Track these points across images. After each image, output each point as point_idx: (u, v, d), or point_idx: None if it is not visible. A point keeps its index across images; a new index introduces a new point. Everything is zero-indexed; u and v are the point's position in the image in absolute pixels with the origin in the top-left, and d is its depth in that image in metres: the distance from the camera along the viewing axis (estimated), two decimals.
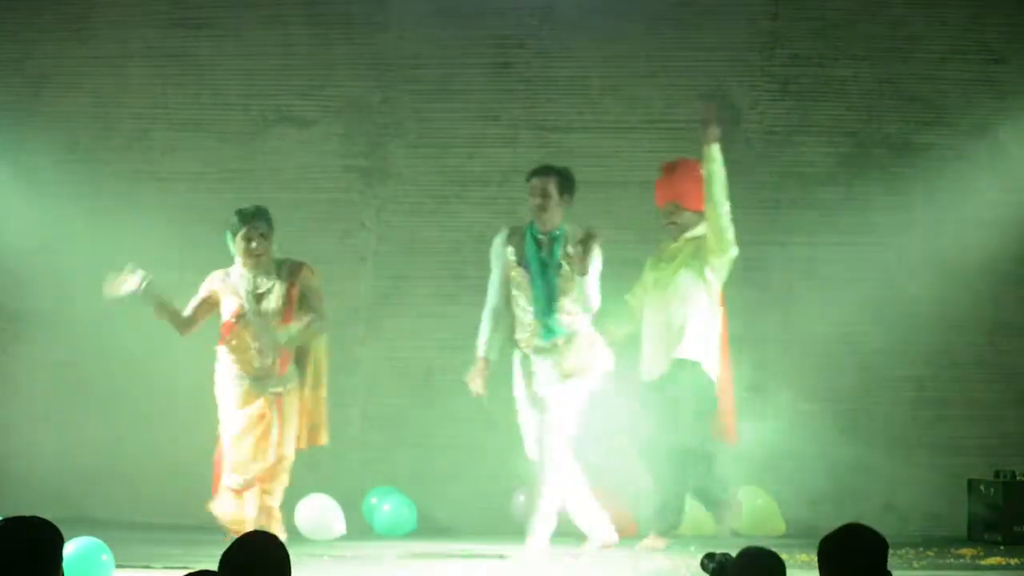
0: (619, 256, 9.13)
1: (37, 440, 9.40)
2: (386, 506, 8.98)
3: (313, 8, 9.69)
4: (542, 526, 7.83)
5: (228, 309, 7.61)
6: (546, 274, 7.84)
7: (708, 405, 8.16)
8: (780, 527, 9.02)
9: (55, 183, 9.50)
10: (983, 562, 7.81)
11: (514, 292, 7.92)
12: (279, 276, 7.58)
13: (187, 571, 3.95)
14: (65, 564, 3.84)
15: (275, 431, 7.49)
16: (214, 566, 3.93)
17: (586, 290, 7.80)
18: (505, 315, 7.97)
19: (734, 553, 4.45)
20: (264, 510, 7.58)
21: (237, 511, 7.39)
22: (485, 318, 7.99)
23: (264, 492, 7.57)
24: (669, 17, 9.57)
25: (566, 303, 7.84)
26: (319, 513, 8.60)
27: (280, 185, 9.56)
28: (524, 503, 8.54)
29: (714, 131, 8.06)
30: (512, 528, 8.92)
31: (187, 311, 7.74)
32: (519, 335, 7.92)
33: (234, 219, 7.67)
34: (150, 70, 9.70)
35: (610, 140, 9.56)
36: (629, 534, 8.77)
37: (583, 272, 7.66)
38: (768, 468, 9.09)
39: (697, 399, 8.11)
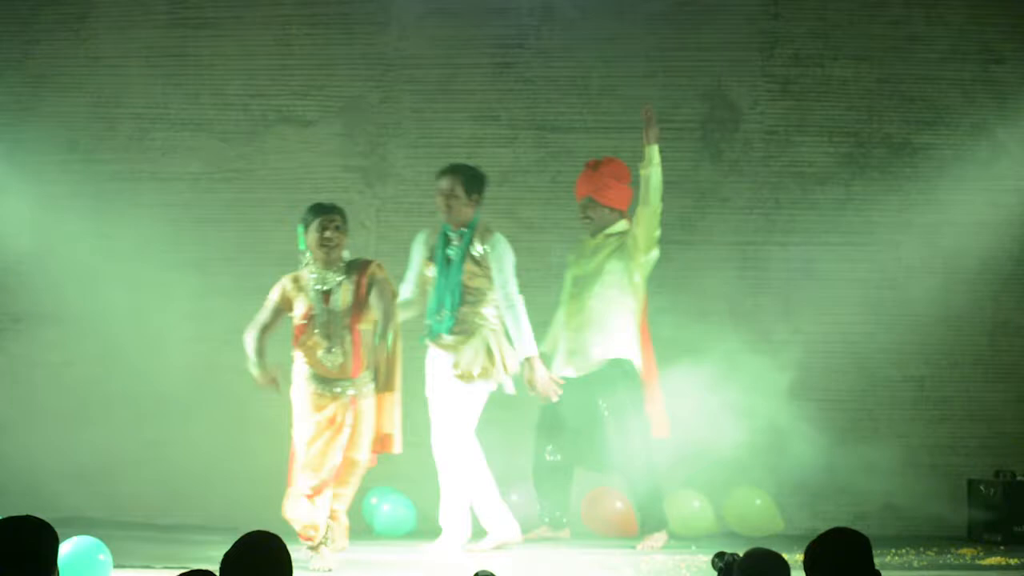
0: None
1: (37, 440, 9.39)
2: (386, 506, 8.98)
3: (313, 8, 9.69)
4: (451, 524, 7.89)
5: (299, 311, 7.50)
6: (449, 271, 7.92)
7: (642, 402, 8.32)
8: (779, 526, 9.03)
9: (55, 183, 9.50)
10: (983, 562, 7.82)
11: (428, 289, 8.02)
12: (348, 275, 7.49)
13: (187, 571, 3.95)
14: (63, 563, 3.85)
15: (346, 435, 7.38)
16: (214, 566, 3.94)
17: (502, 287, 7.88)
18: (416, 307, 8.06)
19: (742, 553, 4.48)
20: (331, 515, 7.46)
21: (309, 516, 7.29)
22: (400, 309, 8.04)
23: (332, 496, 7.47)
24: (669, 17, 9.57)
25: (468, 301, 7.88)
26: None
27: (280, 185, 9.57)
28: (517, 502, 8.60)
29: (654, 132, 8.26)
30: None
31: (262, 318, 7.61)
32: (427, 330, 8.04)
33: (308, 212, 7.52)
34: (150, 70, 9.69)
35: (610, 140, 9.55)
36: (630, 534, 8.78)
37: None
38: (768, 468, 9.09)
39: (634, 398, 8.28)
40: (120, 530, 8.11)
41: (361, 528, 8.88)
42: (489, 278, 7.91)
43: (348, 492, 7.48)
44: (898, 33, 9.55)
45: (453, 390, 7.88)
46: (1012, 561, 7.80)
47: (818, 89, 9.56)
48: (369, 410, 7.38)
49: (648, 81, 9.57)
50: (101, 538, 6.53)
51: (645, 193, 8.24)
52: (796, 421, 8.96)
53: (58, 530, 3.98)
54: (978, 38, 9.52)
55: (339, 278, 7.44)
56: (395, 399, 7.42)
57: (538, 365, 7.94)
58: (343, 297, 7.42)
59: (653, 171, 8.23)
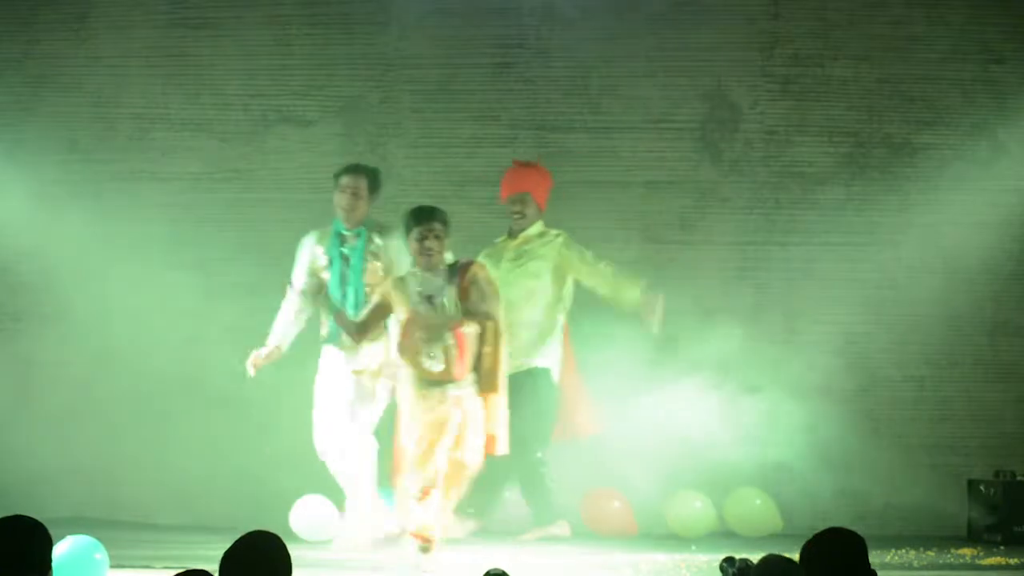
0: (620, 256, 9.15)
1: (37, 440, 9.39)
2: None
3: (313, 8, 9.69)
4: (356, 518, 7.97)
5: (401, 315, 7.48)
6: (349, 272, 7.95)
7: (552, 408, 8.47)
8: (778, 526, 9.02)
9: (55, 183, 9.50)
10: (983, 562, 7.82)
11: (321, 292, 8.05)
12: (450, 278, 7.49)
13: (185, 571, 3.95)
14: (59, 562, 3.84)
15: (452, 437, 7.37)
16: (213, 566, 3.93)
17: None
18: (306, 310, 8.09)
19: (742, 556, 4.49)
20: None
21: (421, 517, 7.33)
22: (281, 314, 8.11)
23: (442, 497, 7.45)
24: (669, 17, 9.56)
25: (370, 299, 7.88)
26: (314, 513, 8.60)
27: (280, 185, 9.57)
28: (514, 501, 8.66)
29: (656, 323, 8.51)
30: (506, 527, 8.94)
31: (360, 317, 7.70)
32: (327, 328, 8.06)
33: (409, 218, 7.50)
34: (150, 70, 9.69)
35: (610, 140, 9.56)
36: (630, 532, 8.79)
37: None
38: (768, 468, 9.10)
39: (550, 407, 8.44)
40: (119, 530, 8.11)
41: None
42: (390, 273, 7.90)
43: (454, 494, 7.45)
44: (898, 33, 9.55)
45: (360, 389, 7.93)
46: (1012, 561, 7.80)
47: (818, 89, 9.56)
48: (475, 412, 7.36)
49: (648, 81, 9.56)
50: (100, 538, 6.52)
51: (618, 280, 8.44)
52: (796, 421, 8.96)
53: (56, 530, 3.99)
54: (978, 38, 9.52)
55: (441, 282, 7.44)
56: (499, 400, 7.42)
57: None
58: (446, 301, 7.40)
59: (629, 294, 8.45)
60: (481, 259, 8.33)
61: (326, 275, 8.06)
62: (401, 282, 7.48)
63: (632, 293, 8.50)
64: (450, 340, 7.32)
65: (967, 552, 8.13)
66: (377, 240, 8.02)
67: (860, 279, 9.47)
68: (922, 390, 9.49)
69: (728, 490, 9.05)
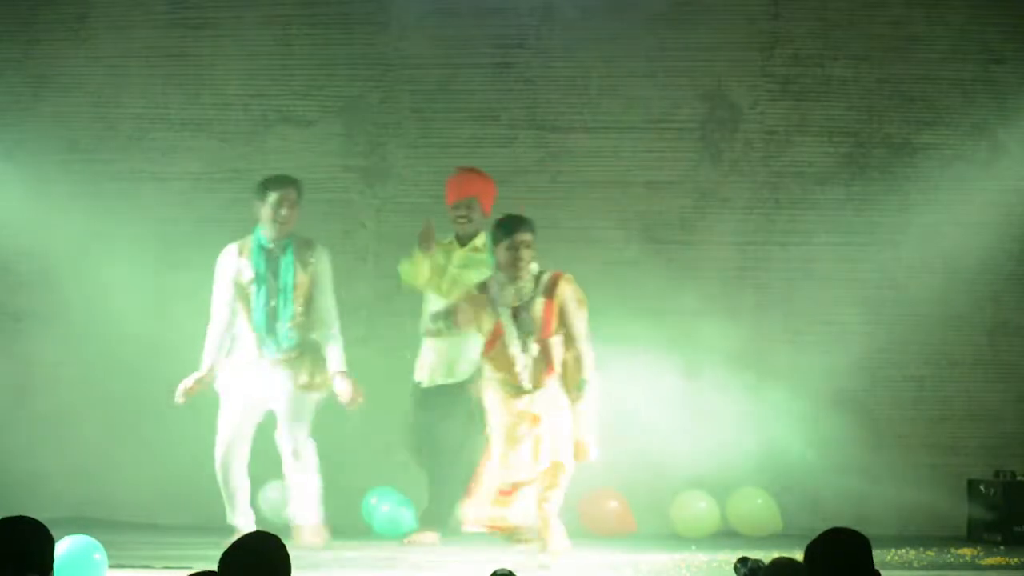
0: (620, 257, 9.16)
1: (37, 440, 9.39)
2: (386, 506, 8.98)
3: (313, 8, 9.69)
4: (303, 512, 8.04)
5: (489, 324, 7.52)
6: (278, 284, 7.94)
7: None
8: (779, 526, 9.03)
9: (55, 183, 9.49)
10: (983, 562, 7.82)
11: (244, 304, 8.01)
12: (536, 289, 7.49)
13: (188, 571, 3.95)
14: (58, 563, 3.84)
15: (538, 439, 7.40)
16: (212, 566, 3.93)
17: (328, 299, 8.03)
18: (235, 324, 8.09)
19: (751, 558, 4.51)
20: (542, 519, 7.48)
21: (500, 513, 7.38)
22: (212, 334, 8.08)
23: (541, 500, 7.48)
24: (669, 17, 9.56)
25: (299, 312, 7.94)
26: (278, 497, 8.64)
27: None
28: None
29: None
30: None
31: (450, 324, 7.70)
32: (248, 344, 8.03)
33: (499, 229, 7.56)
34: (150, 70, 9.69)
35: (610, 140, 9.56)
36: (629, 531, 8.79)
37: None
38: (767, 468, 9.10)
39: (477, 418, 8.37)
40: (119, 530, 8.11)
41: (361, 528, 8.89)
42: (317, 286, 8.00)
43: (555, 495, 7.47)
44: (898, 33, 9.55)
45: (297, 402, 7.95)
46: (1012, 561, 7.80)
47: (818, 89, 9.56)
48: (562, 416, 7.40)
49: (648, 81, 9.57)
50: (99, 538, 6.52)
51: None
52: (796, 421, 8.97)
53: (56, 530, 3.98)
54: (978, 38, 9.52)
55: (530, 291, 7.45)
56: (588, 407, 7.45)
57: (348, 378, 8.07)
58: (533, 311, 7.44)
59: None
60: (431, 258, 8.42)
61: (251, 289, 8.01)
62: (487, 288, 7.50)
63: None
64: (537, 349, 7.39)
65: (967, 552, 8.13)
66: (309, 254, 8.03)
67: (860, 279, 9.47)
68: (922, 390, 9.49)
69: (728, 490, 9.05)
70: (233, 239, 8.18)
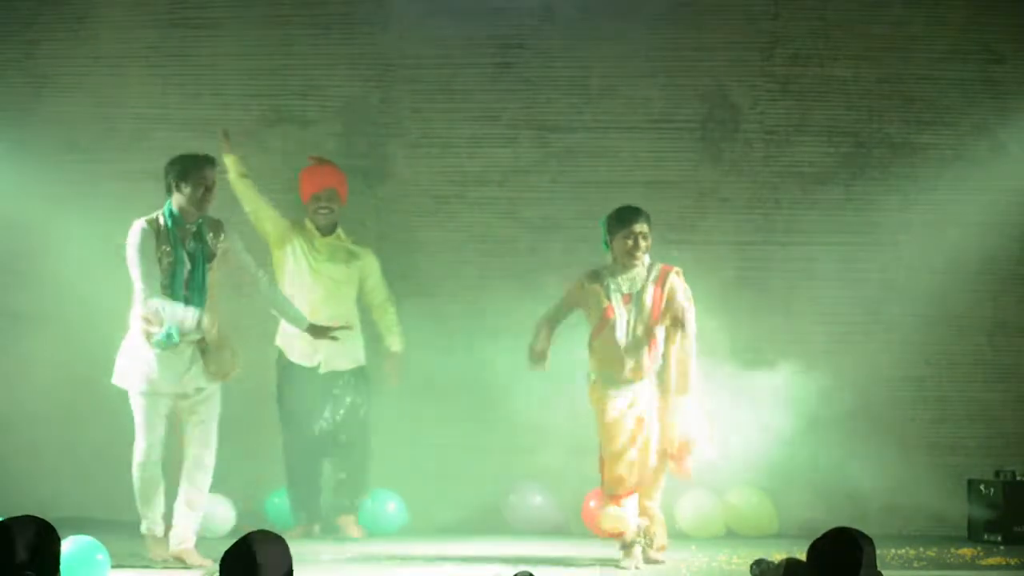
0: None
1: (37, 440, 9.39)
2: (383, 506, 8.98)
3: (313, 8, 9.69)
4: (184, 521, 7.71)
5: (597, 312, 7.51)
6: (194, 270, 7.60)
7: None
8: (775, 526, 9.03)
9: (55, 183, 9.49)
10: (983, 562, 7.82)
11: (161, 283, 7.58)
12: (648, 278, 7.52)
13: (188, 571, 3.95)
14: (60, 563, 3.84)
15: (645, 435, 7.43)
16: (214, 567, 3.94)
17: (257, 271, 7.86)
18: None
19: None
20: (647, 514, 7.54)
21: (618, 516, 7.39)
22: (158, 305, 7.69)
23: (643, 496, 7.53)
24: (669, 17, 9.56)
25: (212, 298, 7.66)
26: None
27: (280, 185, 9.55)
28: (515, 502, 8.67)
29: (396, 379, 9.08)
30: (505, 528, 8.95)
31: (555, 314, 7.69)
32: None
33: (614, 219, 7.57)
34: (150, 70, 9.69)
35: (610, 140, 9.56)
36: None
37: None
38: (767, 468, 9.09)
39: (368, 404, 8.83)
40: (120, 530, 8.10)
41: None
42: (238, 267, 7.74)
43: (656, 492, 7.56)
44: (898, 33, 9.55)
45: (210, 392, 7.78)
46: (1012, 561, 7.80)
47: (818, 89, 9.56)
48: (667, 411, 7.45)
49: (648, 81, 9.57)
50: (100, 538, 6.53)
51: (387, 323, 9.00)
52: (796, 421, 8.96)
53: (57, 530, 3.99)
54: (978, 38, 9.52)
55: (640, 285, 7.48)
56: (691, 401, 7.51)
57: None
58: (644, 301, 7.46)
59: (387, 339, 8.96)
60: (303, 247, 8.68)
61: (166, 267, 7.59)
62: (597, 276, 7.52)
63: (389, 340, 8.93)
64: (644, 340, 7.44)
65: (967, 552, 8.13)
66: (224, 238, 7.66)
67: (860, 279, 9.47)
68: (922, 390, 9.49)
69: (727, 490, 9.05)
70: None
